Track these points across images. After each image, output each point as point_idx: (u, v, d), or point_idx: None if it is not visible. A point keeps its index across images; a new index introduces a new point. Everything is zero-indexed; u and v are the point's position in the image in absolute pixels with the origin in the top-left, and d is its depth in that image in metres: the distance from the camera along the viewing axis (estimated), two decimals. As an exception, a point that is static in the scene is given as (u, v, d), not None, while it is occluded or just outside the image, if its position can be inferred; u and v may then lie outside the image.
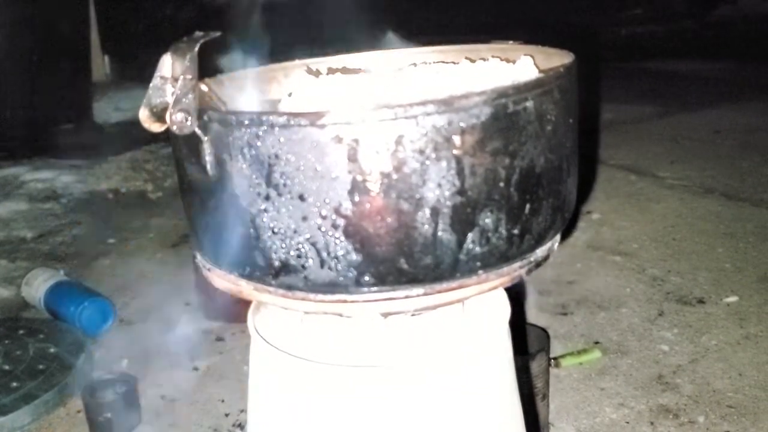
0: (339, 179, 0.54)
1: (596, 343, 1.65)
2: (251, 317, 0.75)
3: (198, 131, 0.57)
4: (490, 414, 0.70)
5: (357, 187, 0.54)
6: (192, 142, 0.58)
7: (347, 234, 0.55)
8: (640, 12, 6.83)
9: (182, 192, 0.66)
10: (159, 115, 0.58)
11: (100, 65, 4.73)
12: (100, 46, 4.66)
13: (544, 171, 0.59)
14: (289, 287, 0.59)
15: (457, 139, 0.54)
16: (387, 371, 0.65)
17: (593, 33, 5.32)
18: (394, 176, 0.54)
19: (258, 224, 0.57)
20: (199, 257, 0.67)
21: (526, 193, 0.58)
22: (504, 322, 0.73)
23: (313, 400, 0.67)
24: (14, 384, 1.52)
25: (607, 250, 2.13)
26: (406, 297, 0.58)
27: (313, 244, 0.56)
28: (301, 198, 0.55)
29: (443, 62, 0.80)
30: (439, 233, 0.56)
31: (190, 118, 0.57)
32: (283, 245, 0.56)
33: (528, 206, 0.59)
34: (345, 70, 0.80)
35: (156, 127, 0.59)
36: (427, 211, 0.55)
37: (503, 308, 0.75)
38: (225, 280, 0.64)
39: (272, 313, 0.76)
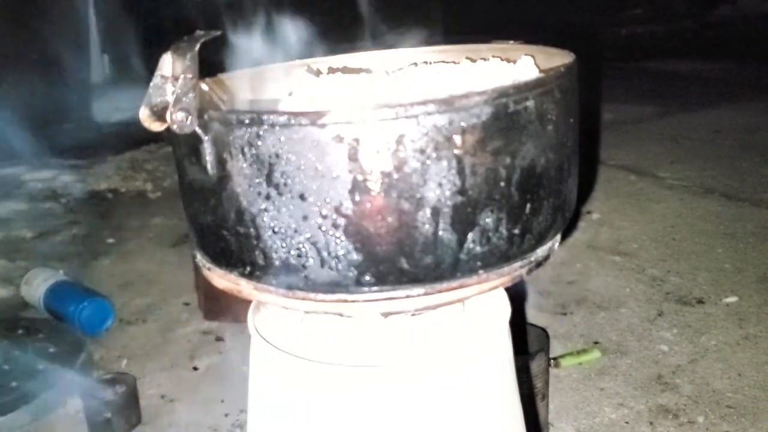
0: (340, 179, 0.54)
1: (596, 343, 1.65)
2: (251, 317, 0.75)
3: (198, 130, 0.57)
4: (491, 413, 0.70)
5: (358, 187, 0.54)
6: (192, 141, 0.58)
7: (348, 233, 0.55)
8: (640, 12, 6.83)
9: (182, 191, 0.66)
10: (159, 114, 0.58)
11: (100, 65, 4.73)
12: (101, 45, 4.66)
13: (545, 171, 0.59)
14: (290, 287, 0.59)
15: (457, 139, 0.54)
16: (387, 371, 0.65)
17: (593, 33, 5.32)
18: (395, 176, 0.54)
19: (258, 223, 0.57)
20: (199, 257, 0.67)
21: (526, 192, 0.58)
22: (504, 322, 0.73)
23: (314, 399, 0.67)
24: (14, 384, 1.52)
25: (606, 250, 2.13)
26: (407, 297, 0.58)
27: (314, 244, 0.56)
28: (302, 197, 0.55)
29: (444, 62, 0.80)
30: (440, 233, 0.56)
31: (190, 117, 0.57)
32: (284, 245, 0.56)
33: (529, 206, 0.59)
34: (346, 70, 0.80)
35: (156, 126, 0.59)
36: (428, 211, 0.55)
37: (503, 308, 0.75)
38: (225, 280, 0.64)
39: (272, 313, 0.76)
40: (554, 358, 1.55)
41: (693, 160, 2.88)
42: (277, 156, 0.54)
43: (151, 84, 0.58)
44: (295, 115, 0.53)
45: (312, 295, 0.59)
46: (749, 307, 1.77)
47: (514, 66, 0.70)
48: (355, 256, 0.56)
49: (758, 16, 6.14)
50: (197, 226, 0.64)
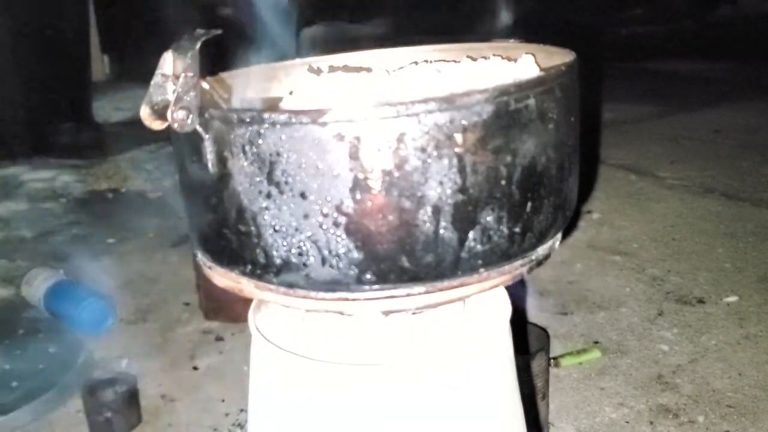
0: (340, 177, 0.54)
1: (596, 342, 1.65)
2: (252, 316, 0.75)
3: (199, 129, 0.57)
4: (491, 412, 0.70)
5: (358, 185, 0.54)
6: (193, 140, 0.58)
7: (349, 232, 0.55)
8: (640, 12, 6.83)
9: (183, 190, 0.66)
10: (160, 113, 0.58)
11: (100, 65, 4.73)
12: (100, 45, 4.67)
13: (546, 169, 0.59)
14: (291, 285, 0.59)
15: (458, 137, 0.54)
16: (388, 369, 0.65)
17: (594, 33, 5.32)
18: (396, 174, 0.54)
19: (259, 222, 0.57)
20: (200, 255, 0.67)
21: (527, 191, 0.58)
22: (505, 321, 0.73)
23: (314, 398, 0.67)
24: (14, 383, 1.52)
25: (607, 250, 2.13)
26: (408, 295, 0.58)
27: (315, 242, 0.56)
28: (303, 196, 0.55)
29: (445, 60, 0.80)
30: (441, 231, 0.56)
31: (191, 115, 0.57)
32: (285, 243, 0.56)
33: (529, 204, 0.59)
34: (346, 69, 0.80)
35: (157, 125, 0.59)
36: (429, 209, 0.55)
37: (504, 307, 0.75)
38: (226, 278, 0.64)
39: (273, 312, 0.76)
40: (554, 358, 1.55)
41: (693, 160, 2.88)
42: (278, 154, 0.54)
43: (152, 83, 0.58)
44: (296, 113, 0.53)
45: (313, 294, 0.59)
46: (749, 306, 1.77)
47: (514, 64, 0.70)
48: (356, 255, 0.56)
49: (759, 16, 6.14)
50: (198, 225, 0.64)
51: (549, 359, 1.37)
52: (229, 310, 1.78)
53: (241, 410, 1.46)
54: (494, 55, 0.74)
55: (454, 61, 0.77)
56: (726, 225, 2.25)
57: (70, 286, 1.91)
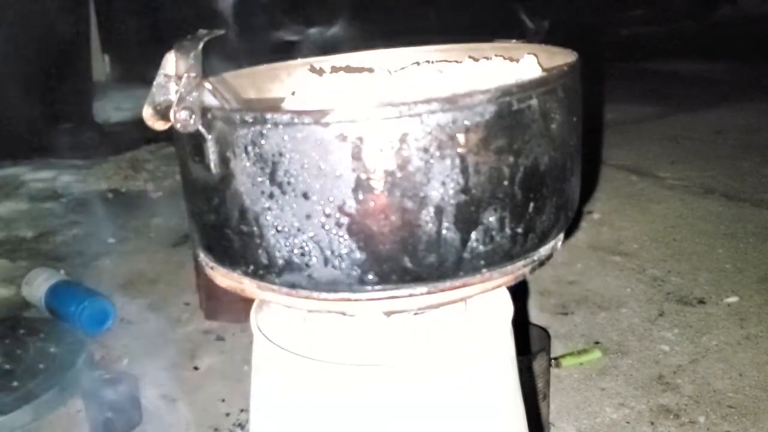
0: (343, 177, 0.54)
1: (596, 343, 1.65)
2: (254, 316, 0.75)
3: (202, 129, 0.57)
4: (493, 413, 0.70)
5: (361, 185, 0.54)
6: (196, 140, 0.58)
7: (351, 232, 0.55)
8: (641, 12, 6.83)
9: (185, 190, 0.66)
10: (163, 113, 0.58)
11: (101, 64, 4.73)
12: (101, 45, 4.67)
13: (548, 169, 0.59)
14: (293, 285, 0.59)
15: (461, 138, 0.54)
16: (390, 370, 0.65)
17: (594, 33, 5.32)
18: (398, 174, 0.54)
19: (262, 222, 0.57)
20: (202, 256, 0.67)
21: (530, 191, 0.58)
22: (507, 321, 0.73)
23: (316, 398, 0.67)
24: (15, 383, 1.52)
25: (607, 251, 2.13)
26: (410, 295, 0.58)
27: (317, 243, 0.56)
28: (305, 196, 0.55)
29: (446, 61, 0.80)
30: (443, 232, 0.56)
31: (194, 116, 0.57)
32: (287, 243, 0.56)
33: (532, 205, 0.59)
34: (348, 69, 0.80)
35: (160, 125, 0.59)
36: (431, 210, 0.55)
37: (506, 307, 0.75)
38: (228, 279, 0.64)
39: (275, 312, 0.76)
40: (555, 358, 1.55)
41: (694, 161, 2.88)
42: (281, 155, 0.54)
43: (155, 83, 0.58)
44: (299, 114, 0.53)
45: (315, 294, 0.59)
46: (750, 307, 1.77)
47: (517, 65, 0.70)
48: (359, 255, 0.56)
49: (759, 16, 6.15)
50: (200, 225, 0.64)
51: (550, 359, 1.37)
52: (229, 310, 1.78)
53: (242, 410, 1.46)
54: (496, 55, 0.74)
55: (456, 62, 0.77)
56: (726, 225, 2.25)
57: (71, 286, 1.91)
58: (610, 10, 6.52)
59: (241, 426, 1.43)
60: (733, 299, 1.80)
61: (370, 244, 0.55)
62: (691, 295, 1.84)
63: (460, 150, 0.54)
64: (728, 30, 6.00)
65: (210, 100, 0.57)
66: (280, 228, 0.56)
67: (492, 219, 0.57)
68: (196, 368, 1.65)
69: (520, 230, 0.59)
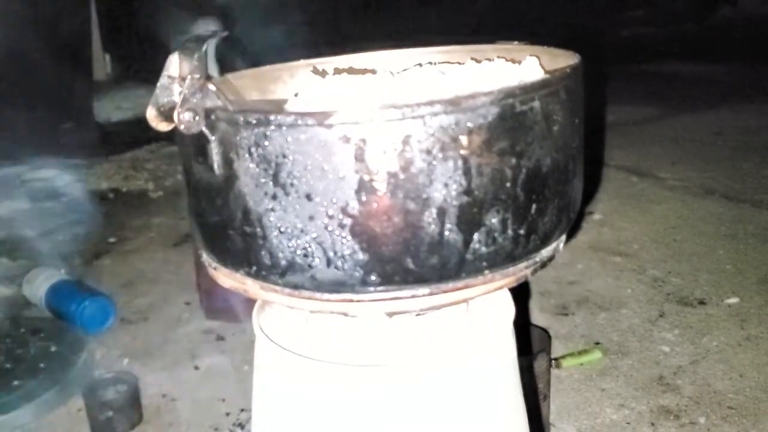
0: (346, 179, 0.54)
1: (597, 343, 1.66)
2: (256, 316, 0.75)
3: (206, 131, 0.57)
4: (495, 414, 0.71)
5: (364, 187, 0.54)
6: (199, 141, 0.58)
7: (354, 233, 0.55)
8: (641, 14, 6.84)
9: (189, 191, 0.66)
10: (166, 115, 0.59)
11: (102, 64, 4.73)
12: (102, 45, 4.67)
13: (551, 171, 0.60)
14: (296, 286, 0.59)
15: (464, 139, 0.54)
16: (392, 370, 0.65)
17: (595, 35, 5.33)
18: (401, 176, 0.54)
19: (265, 223, 0.57)
20: (204, 256, 0.67)
21: (532, 193, 0.59)
22: (508, 322, 0.73)
23: (318, 398, 0.67)
24: (15, 382, 1.52)
25: (608, 251, 2.14)
26: (412, 297, 0.58)
27: (320, 244, 0.56)
28: (308, 197, 0.55)
29: (449, 62, 0.80)
30: (446, 233, 0.56)
31: (197, 117, 0.57)
32: (290, 244, 0.57)
33: (534, 206, 0.59)
34: (351, 70, 0.80)
35: (163, 127, 0.60)
36: (434, 211, 0.55)
37: (507, 308, 0.75)
38: (231, 279, 0.64)
39: (277, 312, 0.76)
40: (555, 359, 1.55)
41: (694, 162, 2.88)
42: (284, 156, 0.54)
43: (159, 84, 0.59)
44: (302, 115, 0.53)
45: (318, 295, 0.59)
46: (750, 308, 1.77)
47: (519, 67, 0.70)
48: (361, 256, 0.56)
49: (759, 17, 6.15)
50: (203, 226, 0.64)
51: (550, 360, 1.37)
52: (230, 309, 1.78)
53: (242, 410, 1.47)
54: (498, 57, 0.74)
55: (458, 63, 0.77)
56: (727, 226, 2.25)
57: (71, 285, 1.91)
58: (610, 12, 6.53)
59: (242, 426, 1.43)
60: (733, 300, 1.80)
61: (372, 246, 0.55)
62: (691, 296, 1.84)
63: (462, 152, 0.54)
64: (729, 31, 6.00)
65: (213, 101, 0.57)
66: (283, 229, 0.56)
67: (494, 220, 0.57)
68: (196, 368, 1.65)
69: (522, 232, 0.59)
